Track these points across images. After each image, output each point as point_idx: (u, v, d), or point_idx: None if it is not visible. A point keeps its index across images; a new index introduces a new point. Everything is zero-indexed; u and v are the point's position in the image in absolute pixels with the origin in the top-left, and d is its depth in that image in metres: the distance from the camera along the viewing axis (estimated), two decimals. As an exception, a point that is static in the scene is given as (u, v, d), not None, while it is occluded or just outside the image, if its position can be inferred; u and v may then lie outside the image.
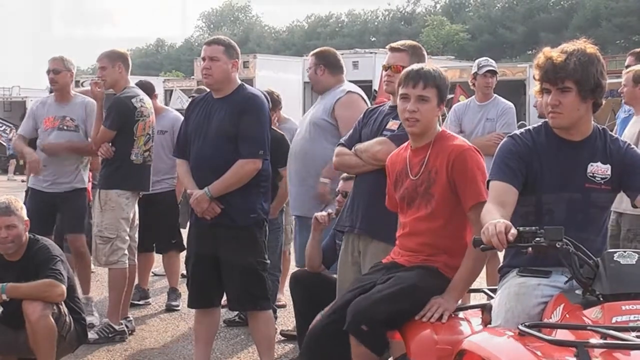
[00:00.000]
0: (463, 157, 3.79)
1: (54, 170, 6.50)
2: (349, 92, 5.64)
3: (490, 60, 7.23)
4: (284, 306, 7.03)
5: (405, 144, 4.02)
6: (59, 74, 6.53)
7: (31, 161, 6.45)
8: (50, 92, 7.15)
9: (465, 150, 3.83)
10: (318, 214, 5.15)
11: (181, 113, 7.36)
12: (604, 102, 3.34)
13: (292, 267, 6.46)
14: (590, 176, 3.29)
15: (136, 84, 6.60)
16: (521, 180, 3.28)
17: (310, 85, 6.55)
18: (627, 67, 6.63)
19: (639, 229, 5.49)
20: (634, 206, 3.42)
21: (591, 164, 3.29)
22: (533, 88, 3.41)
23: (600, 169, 3.29)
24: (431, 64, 4.09)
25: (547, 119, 3.35)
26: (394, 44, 4.64)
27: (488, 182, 3.36)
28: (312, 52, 6.08)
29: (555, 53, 3.24)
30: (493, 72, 7.00)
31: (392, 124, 4.36)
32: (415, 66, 3.95)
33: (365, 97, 5.79)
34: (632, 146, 3.44)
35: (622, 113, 6.45)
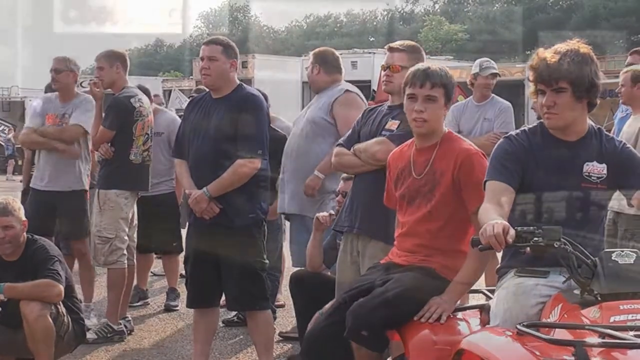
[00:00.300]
0: (470, 161, 3.79)
1: (52, 167, 6.47)
2: (346, 91, 5.65)
3: (492, 61, 7.23)
4: (282, 306, 7.03)
5: (409, 141, 4.00)
6: (61, 74, 6.52)
7: (65, 149, 6.39)
8: (46, 91, 7.15)
9: (472, 154, 3.82)
10: (320, 214, 5.14)
11: (179, 114, 7.38)
12: (598, 101, 3.34)
13: (288, 267, 6.47)
14: (586, 176, 3.28)
15: None
16: (517, 180, 3.28)
17: (309, 85, 6.56)
18: (627, 65, 6.64)
19: (637, 229, 5.50)
20: (630, 205, 3.43)
21: (587, 163, 3.28)
22: (529, 89, 3.40)
23: (596, 169, 3.29)
24: (435, 63, 4.08)
25: (543, 120, 3.36)
26: (392, 44, 4.63)
27: (485, 182, 3.35)
28: (312, 52, 6.10)
29: (549, 54, 3.24)
30: (495, 75, 7.02)
31: (391, 124, 4.35)
32: (422, 65, 3.93)
33: (363, 96, 5.80)
34: (628, 146, 3.44)
35: (620, 112, 6.47)
